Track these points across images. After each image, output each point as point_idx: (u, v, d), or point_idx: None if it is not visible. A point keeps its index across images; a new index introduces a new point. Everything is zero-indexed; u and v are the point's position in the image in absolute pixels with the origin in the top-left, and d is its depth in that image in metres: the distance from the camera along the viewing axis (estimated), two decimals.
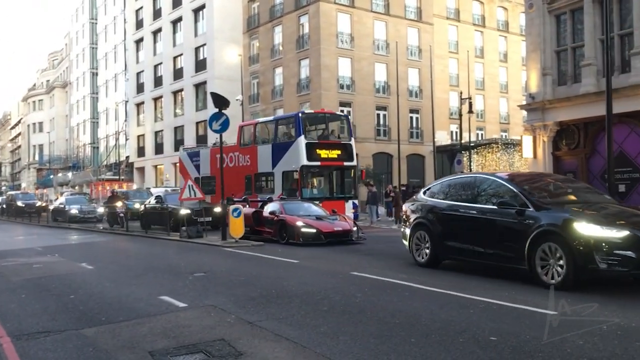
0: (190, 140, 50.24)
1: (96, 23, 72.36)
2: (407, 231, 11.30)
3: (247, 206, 19.63)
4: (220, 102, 16.67)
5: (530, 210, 8.68)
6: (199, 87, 49.75)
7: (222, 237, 16.51)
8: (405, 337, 5.70)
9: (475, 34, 49.19)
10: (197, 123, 49.29)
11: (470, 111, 33.52)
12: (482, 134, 48.11)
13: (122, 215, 23.86)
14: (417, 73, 44.02)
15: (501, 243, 9.08)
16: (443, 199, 10.62)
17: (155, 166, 56.02)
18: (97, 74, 72.17)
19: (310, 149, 21.47)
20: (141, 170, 57.83)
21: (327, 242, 15.39)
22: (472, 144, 37.56)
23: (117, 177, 54.93)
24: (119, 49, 63.57)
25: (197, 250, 15.16)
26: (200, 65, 49.31)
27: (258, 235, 17.06)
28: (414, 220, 11.10)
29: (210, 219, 20.60)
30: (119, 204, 25.17)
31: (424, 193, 11.39)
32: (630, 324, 6.06)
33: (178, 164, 29.93)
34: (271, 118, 26.12)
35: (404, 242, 11.56)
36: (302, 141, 21.43)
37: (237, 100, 36.97)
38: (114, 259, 13.86)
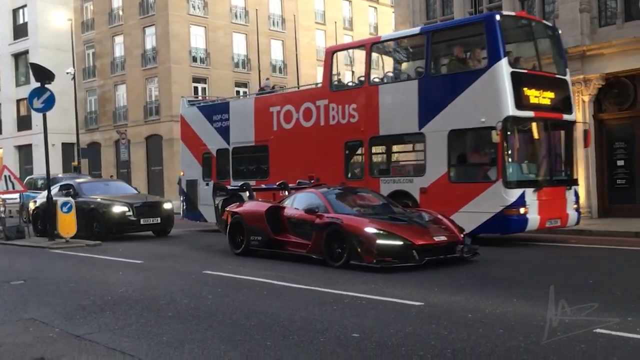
0: (9, 123, 46.75)
1: None
2: None
3: (248, 199, 13.54)
4: (43, 75, 15.59)
5: None
6: (19, 57, 46.37)
7: (49, 237, 15.55)
8: (260, 340, 5.72)
9: (343, 3, 50.51)
10: (19, 101, 45.90)
11: None
12: None
13: (1, 216, 18.06)
14: (281, 46, 44.38)
15: None
16: None
17: None
18: None
19: (519, 84, 12.62)
20: None
21: (423, 262, 9.57)
22: None
23: None
24: None
25: (17, 254, 14.15)
26: (20, 31, 45.88)
27: (278, 250, 11.37)
28: None
29: (158, 219, 16.72)
30: None
31: None
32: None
33: (180, 128, 20.51)
34: (416, 30, 15.72)
35: None
36: (504, 69, 12.43)
37: (67, 73, 34.91)
38: None
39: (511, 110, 12.28)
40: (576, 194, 13.77)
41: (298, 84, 40.17)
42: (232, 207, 12.59)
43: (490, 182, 12.42)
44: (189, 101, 20.49)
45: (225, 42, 41.03)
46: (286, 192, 13.23)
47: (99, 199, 16.54)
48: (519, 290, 7.65)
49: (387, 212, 11.00)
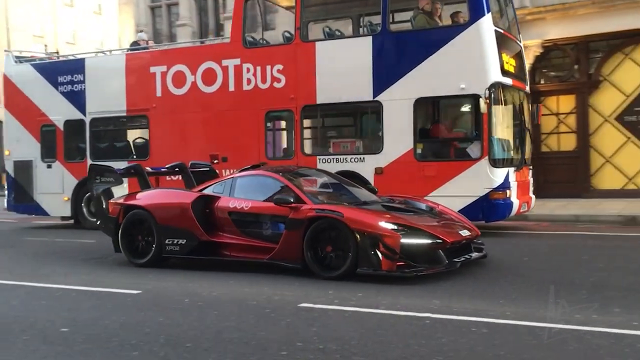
0: None
1: None
2: None
3: (141, 187, 9.70)
4: None
5: None
6: None
7: None
8: None
9: None
10: None
11: None
12: None
13: None
14: None
15: None
16: None
17: None
18: None
19: (499, 47, 10.93)
20: None
21: (451, 265, 7.24)
22: None
23: None
24: None
25: None
26: None
27: (213, 257, 8.29)
28: None
29: None
30: None
31: None
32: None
33: (4, 92, 15.74)
34: None
35: None
36: (489, 26, 10.78)
37: None
38: None
39: (497, 75, 10.66)
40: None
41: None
42: (125, 198, 9.09)
43: (472, 161, 10.69)
44: (17, 57, 15.73)
45: None
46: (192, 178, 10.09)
47: None
48: (238, 274, 7.88)
49: (364, 200, 8.42)
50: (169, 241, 8.40)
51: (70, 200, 14.10)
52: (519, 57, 12.11)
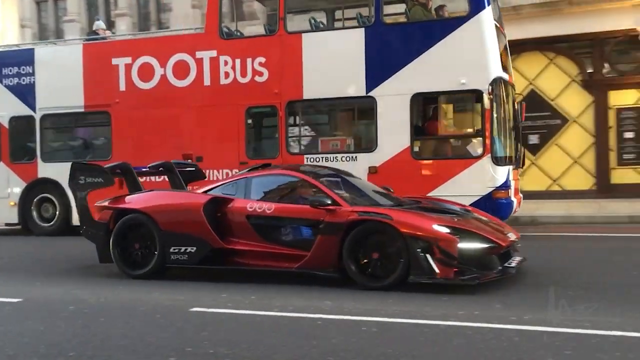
0: None
1: None
2: None
3: (129, 189, 8.47)
4: None
5: None
6: None
7: None
8: None
9: None
10: None
11: None
12: None
13: None
14: None
15: None
16: None
17: None
18: None
19: (497, 43, 10.55)
20: None
21: (504, 271, 6.60)
22: None
23: None
24: None
25: None
26: None
27: (227, 266, 7.31)
28: None
29: None
30: None
31: None
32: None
33: None
34: None
35: None
36: (489, 21, 10.34)
37: None
38: None
39: (499, 70, 10.32)
40: None
41: None
42: (115, 202, 7.94)
43: (473, 158, 10.29)
44: None
45: None
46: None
47: None
48: (128, 279, 7.56)
49: (396, 201, 7.62)
50: (174, 249, 7.32)
51: (17, 205, 12.83)
52: (506, 51, 11.69)
